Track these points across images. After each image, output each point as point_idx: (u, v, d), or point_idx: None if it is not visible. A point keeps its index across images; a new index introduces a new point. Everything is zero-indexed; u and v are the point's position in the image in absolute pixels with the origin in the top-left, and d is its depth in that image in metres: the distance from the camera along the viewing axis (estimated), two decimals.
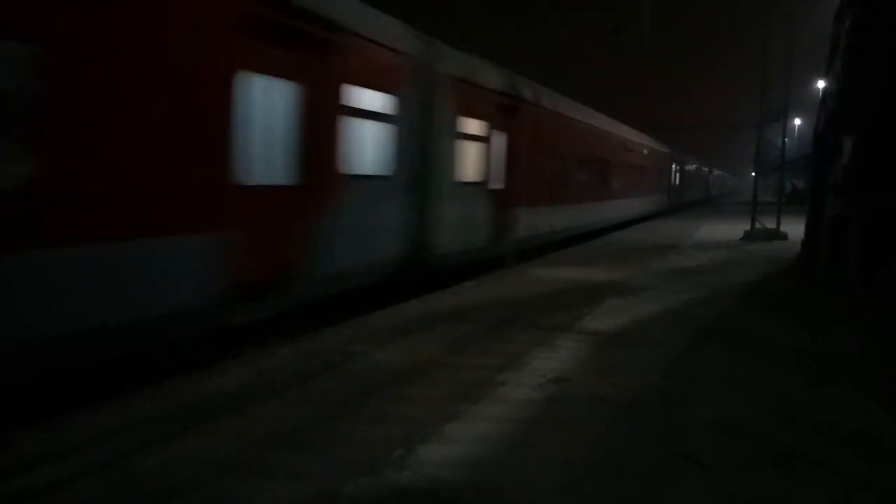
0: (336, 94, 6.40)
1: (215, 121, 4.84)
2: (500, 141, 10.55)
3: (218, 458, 3.34)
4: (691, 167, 40.39)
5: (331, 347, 5.48)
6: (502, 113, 10.46)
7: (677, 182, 33.97)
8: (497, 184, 10.49)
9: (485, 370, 4.87)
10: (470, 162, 9.50)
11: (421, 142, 8.02)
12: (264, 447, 3.48)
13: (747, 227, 17.18)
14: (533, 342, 5.71)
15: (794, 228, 15.44)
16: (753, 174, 20.71)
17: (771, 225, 16.87)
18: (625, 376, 4.82)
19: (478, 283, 9.03)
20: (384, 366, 5.00)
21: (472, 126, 9.52)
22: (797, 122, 43.79)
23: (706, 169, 52.60)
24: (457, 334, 5.97)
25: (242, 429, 3.72)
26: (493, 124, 10.14)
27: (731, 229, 18.51)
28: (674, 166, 31.92)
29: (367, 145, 7.07)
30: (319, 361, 5.06)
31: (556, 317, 6.76)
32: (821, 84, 15.94)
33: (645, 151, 24.28)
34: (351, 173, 6.67)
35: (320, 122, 6.17)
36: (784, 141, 19.29)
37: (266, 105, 5.59)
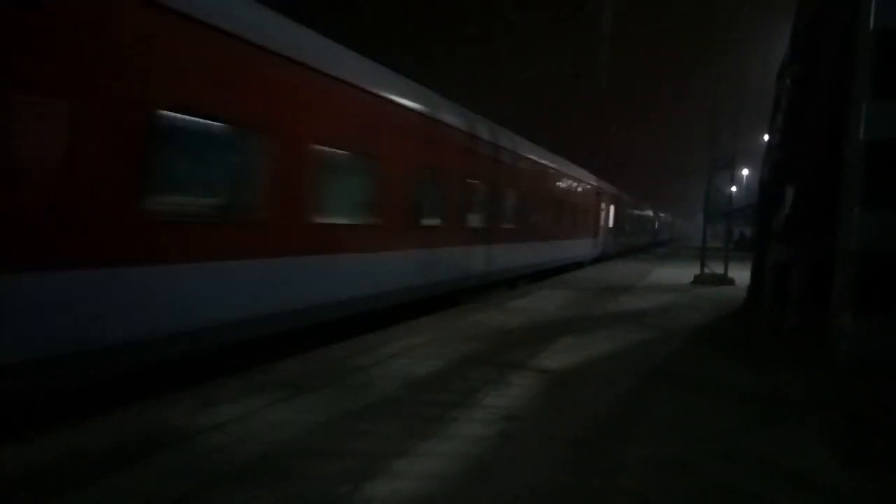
0: None
1: None
2: None
3: (161, 494, 3.23)
4: (632, 207, 34.10)
5: (281, 381, 5.39)
6: None
7: (611, 224, 26.97)
8: None
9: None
10: None
11: None
12: (209, 483, 3.38)
13: (697, 271, 17.69)
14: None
15: (741, 273, 15.96)
16: (702, 221, 21.42)
17: (719, 270, 17.41)
18: (574, 414, 4.88)
19: None
20: (335, 400, 4.94)
21: None
22: (745, 171, 45.65)
23: (650, 211, 45.10)
24: None
25: (187, 463, 3.62)
26: None
27: (682, 273, 19.01)
28: (605, 204, 25.07)
29: None
30: (268, 395, 4.97)
31: None
32: (765, 137, 16.73)
33: (550, 178, 17.58)
34: None
35: None
36: (732, 189, 20.07)
37: None
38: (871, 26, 5.08)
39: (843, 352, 5.45)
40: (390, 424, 4.43)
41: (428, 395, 5.20)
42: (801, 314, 8.62)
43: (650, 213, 45.23)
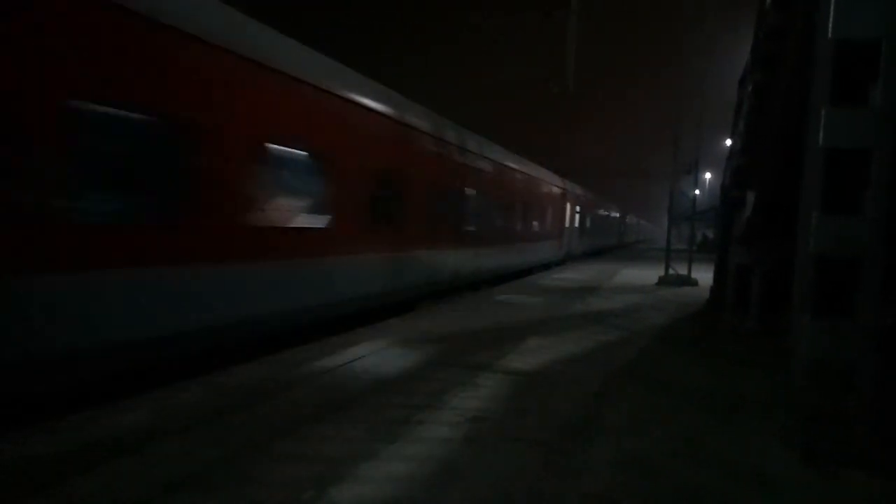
0: None
1: None
2: None
3: (116, 501, 3.13)
4: (504, 183, 16.72)
5: (244, 384, 5.29)
6: None
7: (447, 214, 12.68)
8: None
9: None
10: None
11: None
12: (167, 489, 3.29)
13: (661, 272, 17.99)
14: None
15: (704, 275, 16.30)
16: (667, 223, 21.79)
17: (683, 271, 17.73)
18: (541, 415, 4.89)
19: None
20: (299, 403, 4.86)
21: None
22: (707, 175, 46.58)
23: (566, 201, 24.46)
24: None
25: (144, 469, 3.51)
26: None
27: (648, 274, 19.30)
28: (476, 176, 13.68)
29: None
30: (231, 398, 4.87)
31: None
32: (728, 142, 17.10)
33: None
34: None
35: None
36: (695, 193, 20.44)
37: None
38: (830, 35, 5.21)
39: (801, 353, 5.57)
40: (355, 427, 4.37)
41: (395, 397, 5.15)
42: (761, 316, 8.80)
43: (562, 202, 23.76)
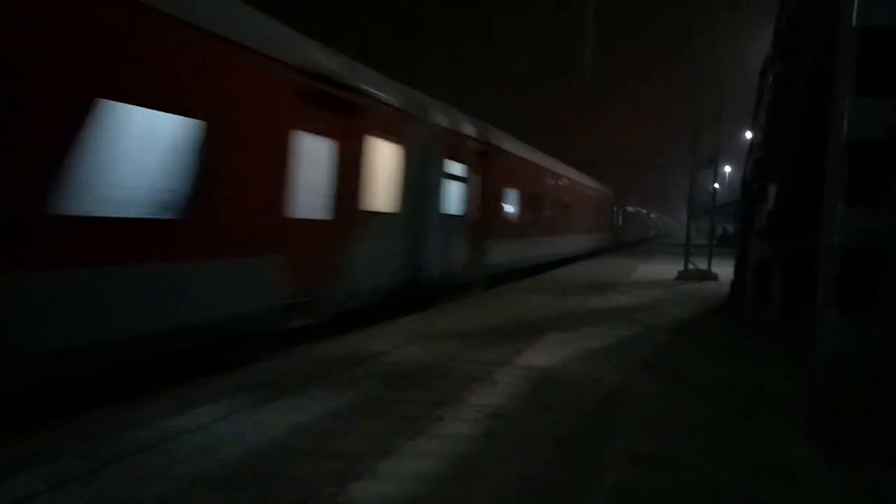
0: None
1: None
2: None
3: (138, 499, 3.16)
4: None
5: (265, 380, 5.32)
6: None
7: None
8: None
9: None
10: None
11: None
12: (189, 486, 3.31)
13: (681, 267, 17.80)
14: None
15: (724, 269, 16.09)
16: (687, 217, 21.54)
17: (703, 266, 17.53)
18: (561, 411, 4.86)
19: None
20: (319, 400, 4.88)
21: None
22: (727, 168, 45.95)
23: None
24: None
25: (166, 466, 3.54)
26: None
27: (667, 269, 19.10)
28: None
29: None
30: (251, 395, 4.90)
31: None
32: (748, 134, 16.85)
33: None
34: None
35: None
36: (715, 186, 20.18)
37: None
38: (855, 23, 5.10)
39: (825, 348, 5.48)
40: (375, 424, 4.38)
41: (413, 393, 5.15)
42: (783, 310, 8.68)
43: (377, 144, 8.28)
